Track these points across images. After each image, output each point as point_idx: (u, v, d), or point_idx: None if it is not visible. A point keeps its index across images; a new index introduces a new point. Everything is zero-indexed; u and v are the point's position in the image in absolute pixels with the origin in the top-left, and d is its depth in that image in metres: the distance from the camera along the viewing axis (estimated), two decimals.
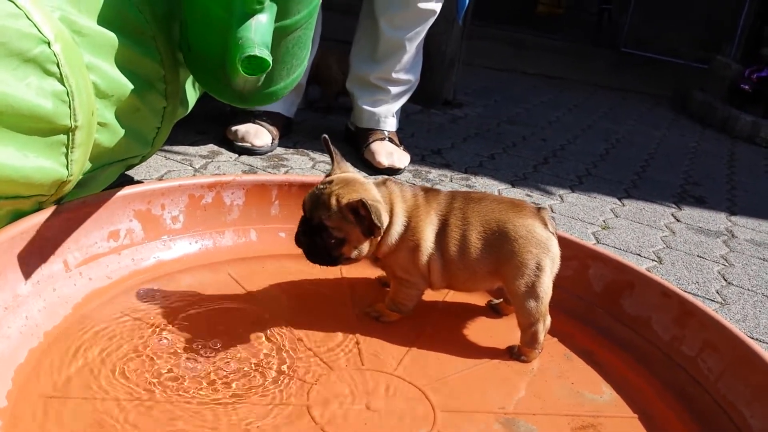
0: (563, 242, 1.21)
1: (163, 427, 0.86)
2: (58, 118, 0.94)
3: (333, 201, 1.06)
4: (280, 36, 1.19)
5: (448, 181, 2.17)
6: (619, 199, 2.29)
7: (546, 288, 1.11)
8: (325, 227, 1.06)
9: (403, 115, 2.89)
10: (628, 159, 2.87)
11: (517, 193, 2.16)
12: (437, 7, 2.09)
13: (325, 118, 2.66)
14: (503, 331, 1.20)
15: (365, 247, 1.10)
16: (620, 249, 1.81)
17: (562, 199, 2.19)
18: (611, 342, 1.20)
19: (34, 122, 0.90)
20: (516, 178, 2.34)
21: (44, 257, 1.05)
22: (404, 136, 2.59)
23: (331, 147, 1.15)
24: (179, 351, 1.01)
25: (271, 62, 1.00)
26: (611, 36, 6.29)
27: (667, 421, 1.02)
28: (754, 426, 0.95)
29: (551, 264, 1.12)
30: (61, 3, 0.99)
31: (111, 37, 1.08)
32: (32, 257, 1.02)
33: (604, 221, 2.03)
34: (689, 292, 1.60)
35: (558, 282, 1.15)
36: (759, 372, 0.99)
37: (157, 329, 1.05)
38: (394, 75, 2.19)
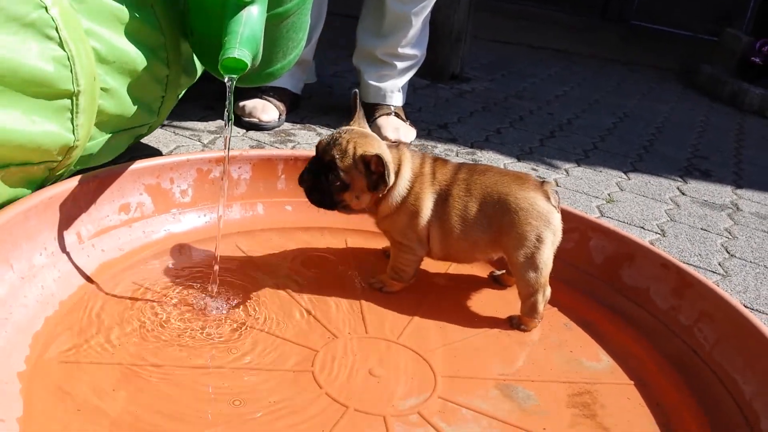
0: (565, 215, 1.23)
1: (170, 393, 0.89)
2: (61, 82, 0.95)
3: (350, 147, 1.09)
4: (275, 23, 1.21)
5: (453, 156, 2.19)
6: (625, 173, 2.29)
7: (546, 259, 1.13)
8: (335, 168, 1.09)
9: (410, 89, 2.90)
10: (635, 133, 2.87)
11: (522, 167, 2.17)
12: None
13: (332, 94, 2.68)
14: (505, 302, 1.23)
15: (365, 199, 1.13)
16: (624, 222, 1.83)
17: (567, 173, 2.20)
18: (610, 312, 1.23)
19: (37, 86, 0.92)
20: (522, 152, 2.35)
21: (58, 229, 1.08)
22: (411, 111, 2.59)
23: (358, 103, 1.18)
24: (188, 319, 1.05)
25: (249, 63, 1.02)
26: (620, 8, 6.21)
27: (662, 388, 1.05)
28: (746, 391, 0.98)
29: (552, 236, 1.14)
30: None
31: (109, 3, 1.10)
32: (46, 229, 1.06)
33: (609, 195, 2.04)
34: (691, 265, 1.62)
35: (559, 254, 1.17)
36: (752, 340, 1.01)
37: (167, 298, 1.09)
38: (400, 50, 2.20)
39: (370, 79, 2.24)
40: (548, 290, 1.16)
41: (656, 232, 1.79)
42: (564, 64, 4.32)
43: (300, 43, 1.43)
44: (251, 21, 1.09)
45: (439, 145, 2.27)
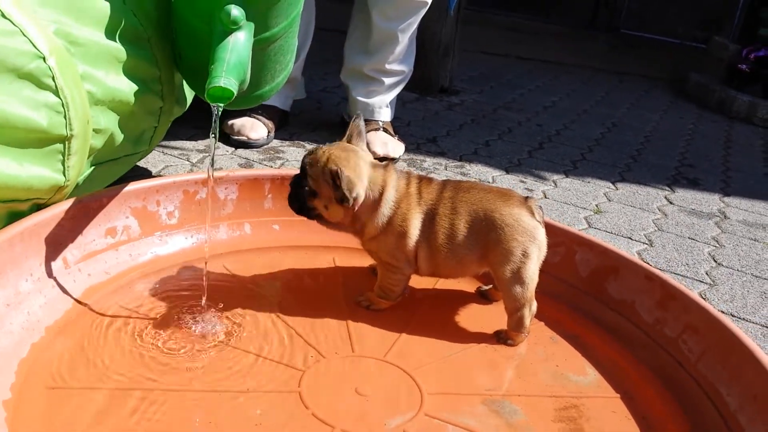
0: (551, 229, 1.25)
1: (161, 416, 0.90)
2: (54, 128, 0.97)
3: (323, 158, 1.12)
4: (262, 47, 1.23)
5: (442, 170, 2.20)
6: (613, 183, 2.31)
7: (532, 274, 1.14)
8: (306, 174, 1.14)
9: (400, 103, 2.92)
10: (623, 143, 2.89)
11: (511, 180, 2.19)
12: None
13: (321, 109, 2.69)
14: (492, 317, 1.23)
15: (336, 211, 1.15)
16: (611, 233, 1.84)
17: (555, 184, 2.22)
18: (596, 325, 1.23)
19: (29, 133, 0.94)
20: (510, 164, 2.37)
21: (44, 255, 1.08)
22: (400, 125, 2.61)
23: (353, 123, 1.21)
24: (175, 342, 1.05)
25: (235, 92, 1.04)
26: (609, 17, 6.26)
27: (648, 400, 1.06)
28: (731, 404, 0.99)
29: (537, 251, 1.15)
30: (58, 15, 1.02)
31: (107, 44, 1.12)
32: (32, 255, 1.06)
33: (596, 205, 2.05)
34: (678, 274, 1.63)
35: (545, 268, 1.18)
36: (736, 352, 1.02)
37: (154, 322, 1.09)
38: (387, 66, 2.22)
39: (358, 95, 2.25)
40: (534, 305, 1.16)
41: (644, 242, 1.80)
42: (553, 75, 4.35)
43: (288, 65, 1.44)
44: (238, 47, 1.11)
45: (427, 159, 2.28)
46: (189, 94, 1.66)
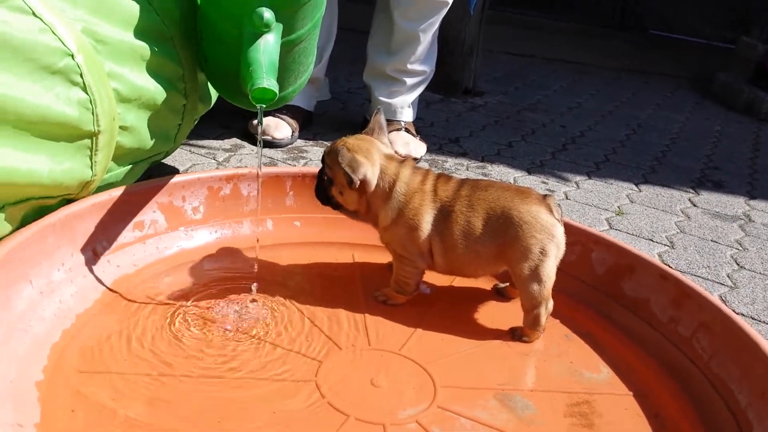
0: (567, 228, 1.26)
1: (182, 400, 0.94)
2: (83, 124, 1.02)
3: (339, 146, 1.16)
4: (287, 49, 1.26)
5: (464, 170, 2.22)
6: (636, 184, 2.30)
7: (549, 272, 1.16)
8: (324, 164, 1.20)
9: (423, 104, 2.94)
10: (648, 144, 2.87)
11: (532, 181, 2.20)
12: None
13: (345, 110, 2.73)
14: (508, 314, 1.25)
15: (351, 196, 1.19)
16: (632, 234, 1.84)
17: (578, 185, 2.22)
18: (611, 323, 1.24)
19: (62, 129, 0.99)
20: (533, 165, 2.37)
21: (75, 247, 1.13)
22: (423, 126, 2.63)
23: (374, 118, 1.26)
24: (198, 331, 1.09)
25: (277, 92, 1.07)
26: (635, 17, 6.20)
27: (661, 398, 1.07)
28: (742, 401, 0.99)
29: (556, 249, 1.16)
30: (84, 14, 1.07)
31: (132, 43, 1.16)
32: (64, 246, 1.11)
33: (618, 207, 2.05)
34: (699, 276, 1.63)
35: (561, 266, 1.19)
36: (748, 351, 1.02)
37: (179, 311, 1.13)
38: (409, 66, 2.24)
39: (380, 95, 2.28)
40: (551, 303, 1.18)
41: (665, 244, 1.80)
42: (578, 76, 4.34)
43: (310, 67, 1.48)
44: (269, 48, 1.14)
45: (449, 160, 2.30)
46: (213, 92, 1.70)
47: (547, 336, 1.21)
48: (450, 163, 2.26)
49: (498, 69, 4.12)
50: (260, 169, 1.22)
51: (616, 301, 1.27)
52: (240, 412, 0.93)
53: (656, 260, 1.27)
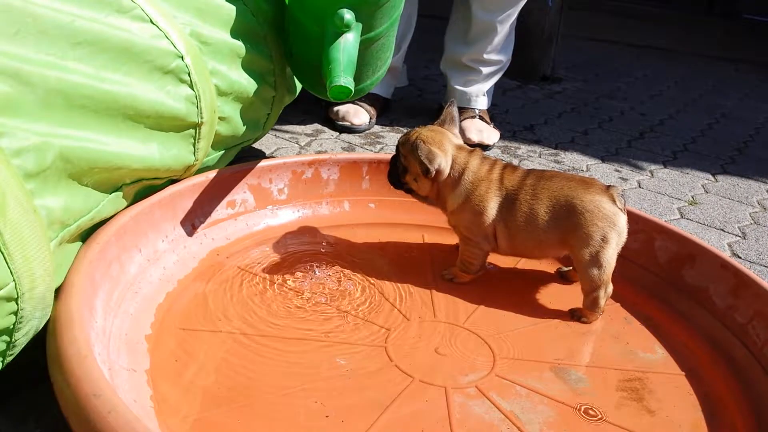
0: (632, 217, 1.31)
1: (264, 356, 1.07)
2: (189, 116, 1.16)
3: (413, 137, 1.27)
4: (365, 46, 1.36)
5: (536, 157, 2.26)
6: (713, 174, 2.28)
7: (609, 258, 1.21)
8: (399, 152, 1.31)
9: (500, 91, 2.98)
10: (730, 135, 2.80)
11: (605, 169, 2.21)
12: None
13: (421, 96, 2.81)
14: (569, 297, 1.31)
15: (424, 184, 1.29)
16: (703, 224, 1.84)
17: (652, 174, 2.22)
18: (670, 309, 1.29)
19: (171, 121, 1.13)
20: (607, 153, 2.38)
21: (177, 221, 1.29)
22: (498, 113, 2.68)
23: (446, 110, 1.36)
24: (282, 298, 1.22)
25: (353, 89, 1.18)
26: (728, 1, 5.91)
27: (712, 380, 1.11)
28: None
29: (617, 237, 1.21)
30: (191, 18, 1.21)
31: (230, 42, 1.30)
32: (168, 220, 1.27)
33: (692, 197, 2.05)
34: None
35: (626, 253, 1.25)
36: None
37: (266, 280, 1.27)
38: (485, 56, 2.30)
39: (456, 84, 2.35)
40: (610, 287, 1.23)
41: (736, 235, 1.79)
42: (663, 63, 4.23)
43: (387, 61, 1.57)
44: (348, 47, 1.25)
45: (522, 147, 2.35)
46: (298, 83, 1.83)
47: (607, 318, 1.26)
48: (522, 150, 2.31)
49: (579, 55, 4.07)
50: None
51: (676, 288, 1.31)
52: (315, 370, 1.05)
53: (717, 250, 1.29)
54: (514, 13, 2.24)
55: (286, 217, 1.49)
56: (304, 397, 0.99)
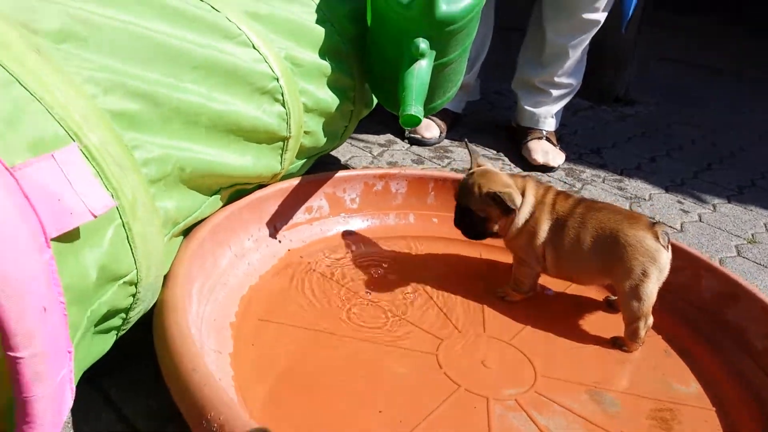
0: (681, 253, 1.39)
1: (328, 350, 1.21)
2: (280, 131, 1.32)
3: (476, 190, 1.36)
4: (439, 70, 1.48)
5: (599, 182, 2.32)
6: None
7: (649, 292, 1.29)
8: (472, 211, 1.38)
9: (570, 111, 3.03)
10: None
11: (668, 199, 2.25)
12: (602, 17, 2.24)
13: (492, 111, 2.90)
14: (613, 325, 1.39)
15: (505, 222, 1.38)
16: (759, 264, 1.87)
17: (714, 208, 2.24)
18: (710, 345, 1.35)
19: (264, 135, 1.29)
20: (672, 183, 2.41)
21: (262, 222, 1.45)
22: (567, 134, 2.74)
23: (470, 147, 1.47)
24: (349, 299, 1.36)
25: (422, 118, 1.30)
26: None
27: (742, 419, 1.17)
28: None
29: (658, 272, 1.29)
30: (286, 42, 1.36)
31: (318, 62, 1.44)
32: (254, 221, 1.43)
33: (752, 235, 2.07)
34: None
35: (672, 287, 1.33)
36: None
37: (333, 281, 1.41)
38: (556, 79, 2.38)
39: (525, 104, 2.44)
40: (650, 319, 1.32)
41: None
42: (745, 88, 4.15)
43: (458, 82, 1.69)
44: (422, 73, 1.38)
45: (587, 170, 2.41)
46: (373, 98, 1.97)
47: (647, 348, 1.34)
48: (587, 174, 2.37)
49: (656, 77, 4.04)
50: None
51: (717, 325, 1.38)
52: (371, 368, 1.19)
53: (761, 293, 1.35)
54: (587, 39, 2.31)
55: (356, 224, 1.63)
56: (359, 390, 1.13)
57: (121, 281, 0.92)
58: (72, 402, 0.84)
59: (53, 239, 0.75)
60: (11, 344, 0.70)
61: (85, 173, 0.81)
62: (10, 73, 0.81)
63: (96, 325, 0.92)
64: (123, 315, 0.99)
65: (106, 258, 0.87)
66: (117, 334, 1.02)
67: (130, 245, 0.92)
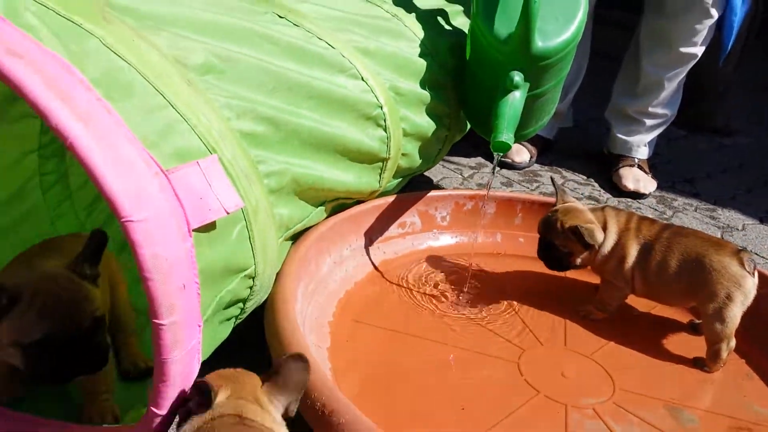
0: None
1: (411, 352, 1.33)
2: (380, 153, 1.46)
3: (558, 225, 1.44)
4: (532, 100, 1.57)
5: (691, 211, 2.31)
6: None
7: (732, 316, 1.32)
8: (554, 245, 1.46)
9: (665, 140, 2.99)
10: None
11: (762, 230, 2.21)
12: (699, 51, 2.25)
13: (585, 138, 2.93)
14: (695, 346, 1.42)
15: (587, 255, 1.45)
16: None
17: None
18: None
19: (366, 156, 1.43)
20: (767, 215, 2.36)
21: (359, 234, 1.59)
22: (660, 162, 2.72)
23: (556, 185, 1.55)
24: (434, 308, 1.47)
25: (512, 145, 1.40)
26: None
27: None
28: None
29: (742, 297, 1.32)
30: (391, 74, 1.50)
31: (419, 92, 1.58)
32: (352, 233, 1.57)
33: None
34: None
35: (759, 313, 1.35)
36: None
37: (425, 291, 1.53)
38: (651, 109, 2.38)
39: (618, 132, 2.46)
40: (732, 341, 1.34)
41: None
42: None
43: (551, 111, 1.78)
44: (515, 103, 1.47)
45: (679, 199, 2.39)
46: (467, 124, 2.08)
47: (729, 370, 1.36)
48: (678, 203, 2.36)
49: (761, 107, 3.91)
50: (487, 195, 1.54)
51: None
52: (456, 371, 1.29)
53: None
54: (683, 72, 2.32)
55: (446, 240, 1.74)
56: (444, 388, 1.24)
57: (243, 274, 1.08)
58: (198, 369, 0.99)
59: (194, 230, 0.91)
60: (157, 312, 0.85)
61: (222, 178, 0.97)
62: (166, 99, 0.99)
63: (222, 311, 1.08)
64: (241, 305, 1.14)
65: (231, 252, 1.03)
66: (234, 323, 1.17)
67: (251, 244, 1.07)
